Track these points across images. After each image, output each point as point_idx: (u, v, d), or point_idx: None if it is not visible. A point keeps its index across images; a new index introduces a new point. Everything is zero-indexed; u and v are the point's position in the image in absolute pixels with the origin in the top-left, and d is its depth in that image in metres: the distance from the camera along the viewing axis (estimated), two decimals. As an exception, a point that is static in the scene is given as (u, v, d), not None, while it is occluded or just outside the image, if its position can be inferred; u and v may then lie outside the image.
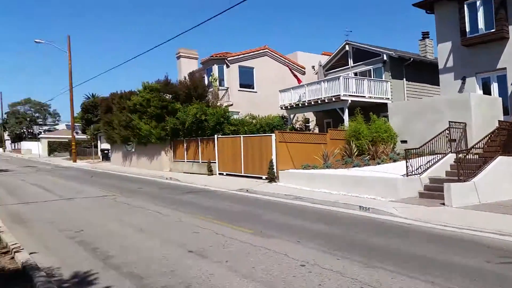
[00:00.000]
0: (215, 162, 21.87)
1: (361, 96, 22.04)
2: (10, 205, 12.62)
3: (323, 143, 18.39)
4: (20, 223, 9.69)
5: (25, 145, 71.94)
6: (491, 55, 17.28)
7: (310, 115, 28.59)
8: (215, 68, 28.67)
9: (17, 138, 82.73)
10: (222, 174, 21.30)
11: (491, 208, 10.44)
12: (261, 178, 18.09)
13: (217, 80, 27.92)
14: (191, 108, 23.24)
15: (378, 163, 15.38)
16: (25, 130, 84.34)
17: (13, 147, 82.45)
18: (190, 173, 23.61)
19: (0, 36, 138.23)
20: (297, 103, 24.41)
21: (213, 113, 22.39)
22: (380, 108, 21.59)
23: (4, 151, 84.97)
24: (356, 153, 17.17)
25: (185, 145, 24.85)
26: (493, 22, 16.94)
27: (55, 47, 41.13)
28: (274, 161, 17.24)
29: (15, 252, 6.46)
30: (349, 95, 21.62)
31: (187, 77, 26.67)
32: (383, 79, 23.31)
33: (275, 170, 17.05)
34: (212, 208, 11.69)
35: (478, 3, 17.49)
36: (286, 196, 13.55)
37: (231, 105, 26.89)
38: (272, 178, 16.95)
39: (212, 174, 21.74)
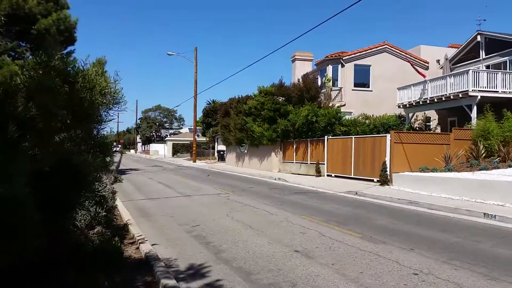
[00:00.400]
0: (323, 164, 21.61)
1: (493, 91, 19.72)
2: (138, 200, 14.04)
3: (445, 143, 16.86)
4: (145, 216, 10.73)
5: (153, 147, 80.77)
6: None
7: (432, 114, 26.48)
8: (329, 69, 28.34)
9: (146, 141, 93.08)
10: (331, 175, 20.93)
11: None
12: (372, 180, 17.32)
13: (331, 81, 27.59)
14: (302, 109, 23.34)
15: (510, 166, 13.56)
16: (154, 133, 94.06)
17: (143, 149, 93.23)
18: (298, 174, 23.71)
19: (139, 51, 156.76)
20: (418, 100, 22.81)
21: (324, 114, 22.15)
22: (515, 104, 19.00)
23: (136, 152, 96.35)
24: (483, 155, 15.38)
25: (294, 146, 25.04)
26: None
27: (184, 58, 45.11)
28: (387, 163, 16.32)
29: (140, 243, 7.15)
30: (478, 90, 19.51)
31: (300, 80, 26.85)
32: (522, 70, 20.46)
33: (388, 172, 16.15)
34: (319, 209, 11.54)
35: None
36: (399, 201, 12.73)
37: (344, 105, 26.26)
38: (384, 180, 16.07)
39: (320, 176, 21.50)
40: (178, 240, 7.94)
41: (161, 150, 72.03)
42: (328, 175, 21.16)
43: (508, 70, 20.94)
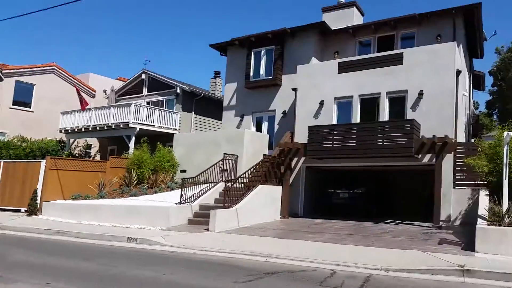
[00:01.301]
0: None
1: (150, 125, 21.88)
2: None
3: (102, 171, 17.25)
4: None
5: None
6: (266, 98, 19.53)
7: (94, 141, 26.81)
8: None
9: None
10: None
11: (249, 231, 11.43)
12: (19, 211, 15.65)
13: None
14: None
15: (156, 192, 15.26)
16: None
17: None
18: None
19: None
20: (81, 127, 22.58)
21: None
22: (168, 138, 21.79)
23: None
24: (135, 182, 16.69)
25: None
26: (271, 70, 19.31)
27: None
28: (39, 190, 15.20)
29: None
30: (138, 123, 21.20)
31: None
32: (174, 110, 23.80)
33: (38, 201, 15.02)
34: None
35: (262, 52, 19.76)
36: (46, 231, 11.87)
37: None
38: (33, 210, 14.83)
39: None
40: None
41: None
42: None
43: (164, 108, 23.92)
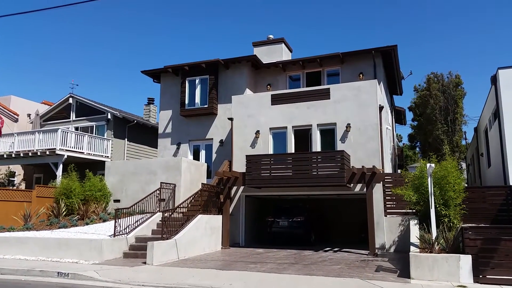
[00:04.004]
0: None
1: (79, 152, 20.86)
2: None
3: (27, 201, 16.05)
4: None
5: None
6: (202, 127, 19.60)
7: (18, 169, 24.89)
8: None
9: None
10: None
11: (189, 263, 11.21)
12: None
13: None
14: None
15: (87, 224, 14.48)
16: None
17: None
18: None
19: None
20: (2, 153, 20.88)
21: None
22: (99, 166, 20.93)
23: None
24: (64, 213, 15.70)
25: None
26: (206, 99, 19.46)
27: None
28: (-48, 223, 13.69)
29: None
30: (66, 150, 20.13)
31: None
32: (105, 137, 22.92)
33: (-48, 235, 13.48)
34: None
35: (197, 81, 19.86)
36: (-39, 268, 10.71)
37: None
38: None
39: None
40: None
41: None
42: None
43: (93, 134, 22.95)
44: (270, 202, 18.30)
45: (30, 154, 20.42)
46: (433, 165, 9.84)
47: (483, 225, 11.59)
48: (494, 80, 14.25)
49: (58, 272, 9.90)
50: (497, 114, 14.36)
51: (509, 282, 8.07)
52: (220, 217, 14.82)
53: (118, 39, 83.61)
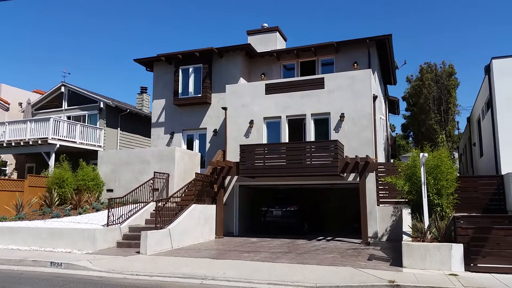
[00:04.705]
0: None
1: (71, 141, 20.71)
2: None
3: (19, 190, 15.97)
4: None
5: None
6: (196, 116, 19.48)
7: (10, 158, 24.67)
8: None
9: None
10: None
11: (183, 252, 11.22)
12: None
13: None
14: None
15: (80, 213, 14.45)
16: None
17: None
18: None
19: None
20: (-8, 142, 20.65)
21: None
22: (92, 155, 20.82)
23: None
24: (57, 202, 15.63)
25: None
26: (200, 88, 19.31)
27: None
28: None
29: None
30: (58, 139, 19.97)
31: None
32: (98, 126, 22.74)
33: None
34: None
35: (190, 70, 19.68)
36: (-48, 258, 10.64)
37: None
38: None
39: None
40: None
41: None
42: None
43: (86, 124, 22.77)
44: (264, 192, 18.32)
45: (21, 144, 20.24)
46: (426, 154, 9.87)
47: (474, 214, 11.71)
48: (488, 70, 14.28)
49: (51, 262, 9.88)
50: (490, 104, 14.42)
51: (499, 270, 8.17)
52: (214, 206, 14.83)
53: (110, 28, 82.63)
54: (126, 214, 13.27)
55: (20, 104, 26.45)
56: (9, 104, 26.77)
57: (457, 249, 8.43)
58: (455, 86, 25.37)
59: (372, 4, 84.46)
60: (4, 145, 20.55)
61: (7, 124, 21.11)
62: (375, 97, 15.25)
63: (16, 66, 74.83)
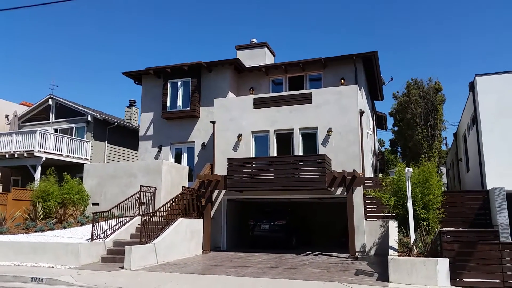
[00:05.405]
0: None
1: (58, 154, 20.48)
2: None
3: (2, 204, 15.65)
4: None
5: None
6: (184, 129, 19.42)
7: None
8: None
9: None
10: None
11: (168, 268, 11.04)
12: None
13: None
14: None
15: (65, 227, 14.20)
16: None
17: None
18: None
19: None
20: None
21: None
22: (79, 168, 20.53)
23: None
24: (41, 216, 15.33)
25: None
26: (189, 102, 19.31)
27: None
28: None
29: None
30: (44, 152, 19.76)
31: None
32: (85, 139, 22.54)
33: None
34: None
35: (179, 83, 19.70)
36: None
37: None
38: None
39: None
40: None
41: None
42: None
43: (73, 136, 22.54)
44: (252, 206, 18.22)
45: (7, 156, 19.97)
46: (411, 169, 9.95)
47: (461, 228, 11.77)
48: (472, 86, 14.53)
49: (32, 278, 9.64)
50: (475, 120, 14.64)
51: (484, 285, 8.19)
52: (201, 220, 14.69)
53: (99, 40, 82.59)
54: (111, 228, 13.07)
55: (7, 116, 26.13)
56: (-5, 116, 26.43)
57: (443, 264, 8.43)
58: (442, 102, 25.68)
59: (361, 17, 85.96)
60: (-9, 158, 20.24)
61: (-8, 136, 20.82)
62: (361, 112, 15.39)
63: (3, 78, 74.19)
